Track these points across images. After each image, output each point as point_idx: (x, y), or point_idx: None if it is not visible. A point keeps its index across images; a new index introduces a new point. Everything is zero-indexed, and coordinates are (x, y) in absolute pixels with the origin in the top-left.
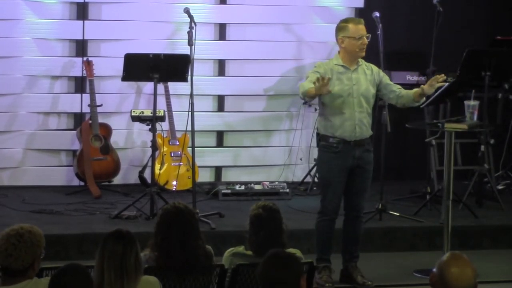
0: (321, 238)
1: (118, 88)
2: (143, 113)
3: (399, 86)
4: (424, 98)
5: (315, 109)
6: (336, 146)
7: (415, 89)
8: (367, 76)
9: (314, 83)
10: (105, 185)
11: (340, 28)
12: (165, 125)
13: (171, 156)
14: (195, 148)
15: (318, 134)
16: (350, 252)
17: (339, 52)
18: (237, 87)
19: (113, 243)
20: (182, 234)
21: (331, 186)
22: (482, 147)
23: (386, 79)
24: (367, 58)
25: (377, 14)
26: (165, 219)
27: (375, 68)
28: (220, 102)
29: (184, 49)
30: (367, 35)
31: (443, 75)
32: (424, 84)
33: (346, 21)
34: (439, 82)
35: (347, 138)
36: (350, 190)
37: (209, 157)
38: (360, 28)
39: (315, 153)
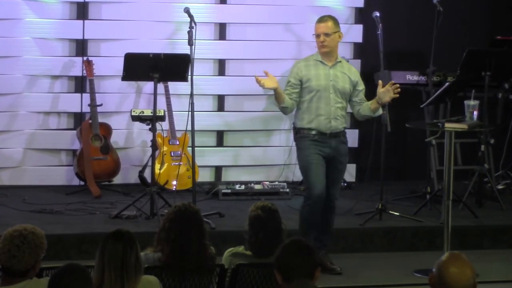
0: (304, 224)
1: (118, 87)
2: (143, 112)
3: (365, 100)
4: (381, 110)
5: None
6: (313, 135)
7: (373, 100)
8: (345, 74)
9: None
10: (105, 185)
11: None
12: (165, 125)
13: (171, 155)
14: (195, 148)
15: (294, 128)
16: (321, 241)
17: None
18: (237, 87)
19: (113, 243)
20: (199, 234)
21: (312, 170)
22: (482, 147)
23: (360, 86)
24: (367, 58)
25: (377, 14)
26: (182, 217)
27: (355, 70)
28: (220, 102)
29: (184, 49)
30: (325, 33)
31: (397, 85)
32: (424, 84)
33: (317, 19)
34: (394, 94)
35: (323, 130)
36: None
37: (209, 157)
38: (319, 26)
39: None
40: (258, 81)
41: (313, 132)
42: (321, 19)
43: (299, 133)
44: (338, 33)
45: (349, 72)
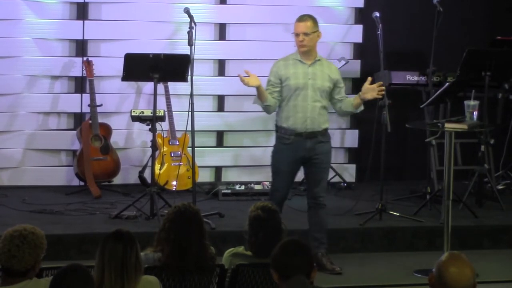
0: None
1: (118, 88)
2: (143, 113)
3: (347, 96)
4: (362, 106)
5: None
6: (287, 137)
7: (355, 96)
8: (324, 72)
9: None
10: (105, 185)
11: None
12: (165, 125)
13: (171, 156)
14: (195, 148)
15: (276, 125)
16: (318, 239)
17: None
18: (237, 87)
19: (113, 243)
20: (199, 234)
21: (279, 176)
22: (482, 147)
23: (340, 83)
24: (367, 58)
25: (377, 14)
26: (182, 217)
27: (334, 68)
28: (220, 102)
29: (184, 49)
30: (305, 32)
31: (383, 88)
32: (424, 84)
33: (297, 18)
34: (378, 93)
35: (298, 129)
36: (308, 180)
37: (209, 157)
38: (298, 25)
39: None
40: (242, 80)
41: (289, 134)
42: (301, 19)
43: (278, 131)
44: (317, 33)
45: (329, 70)
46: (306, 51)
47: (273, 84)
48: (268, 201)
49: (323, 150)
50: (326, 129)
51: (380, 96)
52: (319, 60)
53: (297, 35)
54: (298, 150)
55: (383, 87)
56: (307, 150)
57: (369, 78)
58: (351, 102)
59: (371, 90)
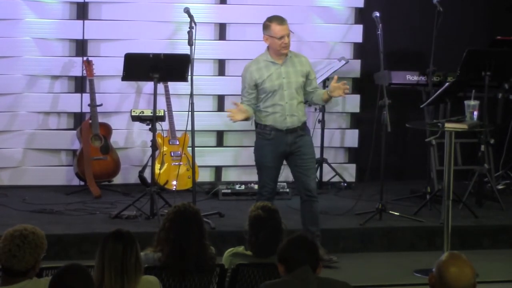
0: None
1: (118, 88)
2: (143, 112)
3: (318, 87)
4: (332, 101)
5: (315, 109)
6: (269, 133)
7: (325, 90)
8: (296, 68)
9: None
10: (105, 185)
11: (264, 26)
12: (165, 125)
13: (171, 155)
14: (195, 148)
15: (255, 122)
16: (312, 232)
17: (268, 48)
18: (237, 87)
19: (113, 243)
20: (199, 234)
21: (264, 171)
22: (482, 147)
23: (311, 75)
24: (367, 58)
25: (377, 14)
26: (182, 217)
27: (305, 59)
28: (220, 102)
29: (184, 49)
30: (289, 33)
31: (347, 87)
32: (424, 84)
33: (270, 20)
34: (343, 94)
35: (278, 127)
36: (295, 173)
37: (209, 157)
38: (281, 29)
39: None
40: (229, 116)
41: (269, 129)
42: (282, 21)
43: (257, 128)
44: None
45: (300, 64)
46: (286, 52)
47: (248, 91)
48: (258, 197)
49: (304, 142)
50: (304, 123)
51: (344, 96)
52: (290, 57)
53: (281, 37)
54: (279, 145)
55: (347, 86)
56: (288, 144)
57: (335, 77)
58: (320, 96)
59: (337, 88)
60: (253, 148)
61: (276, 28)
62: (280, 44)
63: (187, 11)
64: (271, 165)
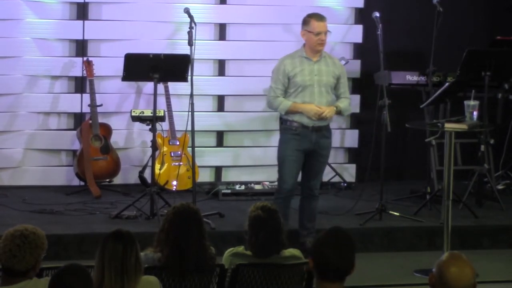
0: None
1: (118, 88)
2: (143, 113)
3: (346, 96)
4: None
5: None
6: (295, 129)
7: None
8: (329, 68)
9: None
10: (105, 185)
11: (304, 21)
12: (165, 125)
13: (171, 156)
14: (195, 148)
15: (280, 118)
16: (308, 229)
17: (304, 44)
18: (237, 87)
19: (113, 243)
20: (199, 234)
21: (287, 165)
22: (482, 147)
23: (342, 78)
24: (367, 58)
25: (377, 14)
26: (182, 218)
27: (339, 63)
28: (220, 102)
29: (184, 49)
30: (326, 31)
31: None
32: (424, 84)
33: (310, 15)
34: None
35: (305, 123)
36: (306, 172)
37: (209, 157)
38: (320, 25)
39: None
40: (323, 116)
41: (295, 125)
42: (321, 18)
43: (283, 124)
44: None
45: (333, 65)
46: (322, 49)
47: (283, 83)
48: (278, 198)
49: (326, 145)
50: (329, 124)
51: (315, 118)
52: (324, 56)
53: (318, 33)
54: (304, 141)
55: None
56: (312, 143)
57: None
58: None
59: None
60: (253, 148)
61: (314, 24)
62: (316, 41)
63: (187, 11)
64: (294, 159)
